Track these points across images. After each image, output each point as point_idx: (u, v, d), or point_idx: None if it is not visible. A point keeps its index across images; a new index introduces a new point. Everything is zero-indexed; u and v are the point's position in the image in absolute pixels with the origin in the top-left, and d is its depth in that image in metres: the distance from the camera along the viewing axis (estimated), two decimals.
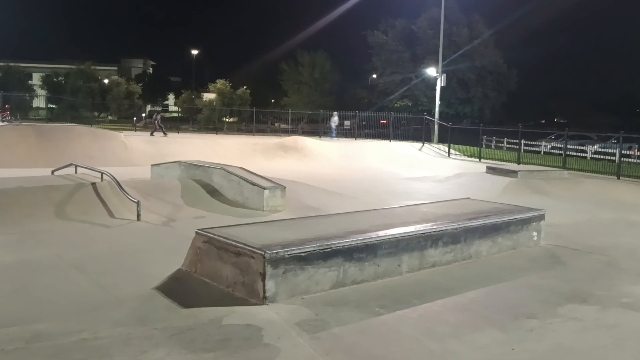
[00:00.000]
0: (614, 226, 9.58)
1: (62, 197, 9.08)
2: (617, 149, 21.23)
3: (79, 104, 39.75)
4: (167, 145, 22.38)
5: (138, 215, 8.87)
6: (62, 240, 7.39)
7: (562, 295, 5.37)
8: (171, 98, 69.02)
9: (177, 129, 33.26)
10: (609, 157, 24.28)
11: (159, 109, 32.66)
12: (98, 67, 50.74)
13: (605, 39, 64.05)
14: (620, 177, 17.61)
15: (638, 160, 24.50)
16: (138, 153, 20.53)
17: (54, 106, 43.06)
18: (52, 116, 39.04)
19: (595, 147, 28.19)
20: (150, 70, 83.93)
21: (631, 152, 25.63)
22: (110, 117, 45.39)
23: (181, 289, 5.27)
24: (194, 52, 68.32)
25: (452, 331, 4.39)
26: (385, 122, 31.94)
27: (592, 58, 68.26)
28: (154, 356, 3.80)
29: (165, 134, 27.64)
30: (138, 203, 8.92)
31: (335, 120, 32.43)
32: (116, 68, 73.47)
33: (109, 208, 9.20)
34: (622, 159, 20.76)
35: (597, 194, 14.22)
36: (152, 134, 27.12)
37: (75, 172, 10.96)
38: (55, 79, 46.48)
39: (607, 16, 59.43)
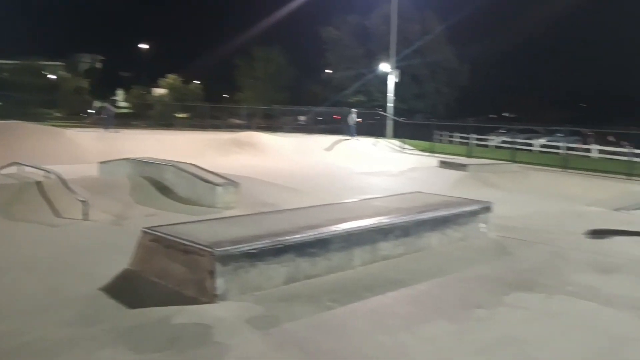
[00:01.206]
0: (560, 217, 9.88)
1: (7, 197, 8.73)
2: (563, 142, 22.00)
3: (25, 101, 38.34)
4: (117, 142, 21.85)
5: (86, 215, 8.61)
6: (6, 240, 7.10)
7: (509, 285, 5.50)
8: (121, 93, 67.45)
9: (128, 126, 32.48)
10: (556, 150, 25.16)
11: (104, 104, 31.29)
12: (45, 63, 49.12)
13: (554, 36, 66.15)
14: (567, 170, 18.25)
15: (583, 153, 25.45)
16: (87, 150, 19.97)
17: None
18: None
19: (543, 140, 29.13)
20: (99, 65, 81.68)
21: (576, 145, 26.60)
22: (58, 114, 44.00)
23: (129, 289, 5.14)
24: (144, 46, 66.81)
25: (402, 323, 4.43)
26: (338, 117, 32.02)
27: (540, 54, 70.39)
28: (100, 357, 3.70)
29: (107, 129, 26.66)
30: (86, 202, 8.66)
31: (353, 117, 29.55)
32: (63, 63, 71.22)
33: (55, 207, 8.90)
34: (568, 151, 21.50)
35: (544, 186, 14.70)
36: (109, 129, 26.31)
37: (21, 171, 10.55)
38: (0, 75, 44.72)
39: (555, 13, 61.41)
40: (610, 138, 26.65)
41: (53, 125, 27.00)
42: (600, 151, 25.35)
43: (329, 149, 25.01)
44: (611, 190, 13.98)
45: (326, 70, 52.74)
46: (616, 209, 10.07)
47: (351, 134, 28.54)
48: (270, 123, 35.49)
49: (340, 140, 27.45)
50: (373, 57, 44.03)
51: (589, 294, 5.29)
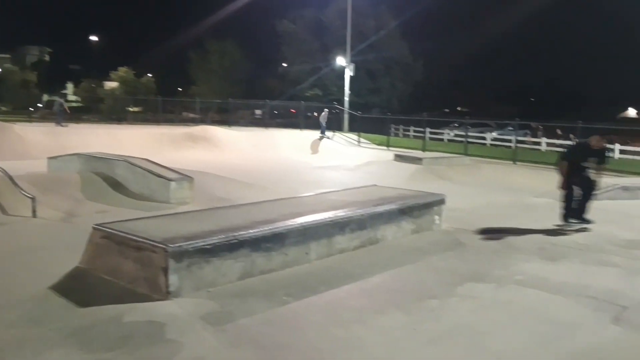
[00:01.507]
0: (509, 208, 10.16)
1: None
2: (513, 136, 22.59)
3: None
4: (66, 136, 21.16)
5: (34, 212, 8.32)
6: None
7: (461, 276, 5.63)
8: (70, 87, 65.42)
9: (78, 120, 31.54)
10: (506, 144, 25.82)
11: (57, 98, 30.13)
12: None
13: (505, 32, 67.79)
14: (517, 162, 18.76)
15: (532, 146, 26.22)
16: (35, 145, 19.29)
17: None
18: None
19: (494, 134, 29.84)
20: (47, 57, 78.94)
21: (526, 139, 27.37)
22: (4, 108, 42.34)
23: (79, 287, 5.00)
24: (94, 38, 64.96)
25: (356, 316, 4.48)
26: (294, 111, 31.89)
27: (490, 49, 72.04)
28: (50, 357, 3.61)
29: (58, 124, 25.77)
30: (34, 198, 8.37)
31: (325, 116, 28.30)
32: (9, 56, 68.52)
33: (1, 204, 8.57)
34: (518, 145, 22.08)
35: (495, 179, 15.09)
36: (61, 124, 25.41)
37: None
38: None
39: (504, 9, 62.95)
40: (559, 131, 27.52)
41: None
42: (549, 144, 26.17)
43: (286, 143, 24.92)
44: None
45: (282, 64, 52.53)
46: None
47: (322, 132, 27.74)
48: (226, 117, 35.04)
49: (297, 135, 27.42)
50: (329, 52, 44.06)
51: (538, 283, 5.48)
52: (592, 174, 8.10)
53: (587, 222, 8.12)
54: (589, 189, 8.07)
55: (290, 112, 33.29)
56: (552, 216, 8.59)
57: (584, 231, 7.93)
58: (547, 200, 10.50)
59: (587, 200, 8.13)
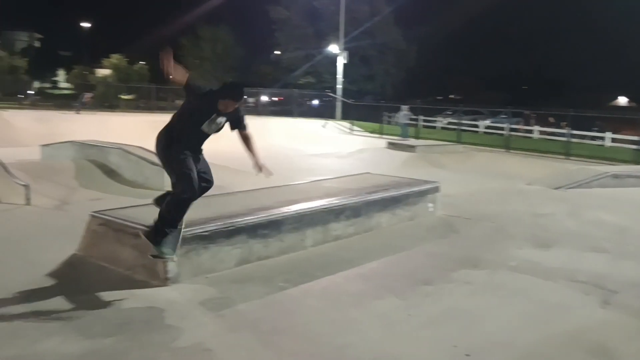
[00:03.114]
0: (503, 195, 10.23)
1: None
2: (507, 124, 22.70)
3: None
4: (58, 124, 20.99)
5: (27, 199, 8.31)
6: None
7: (455, 262, 5.70)
8: (62, 74, 64.82)
9: (69, 107, 31.30)
10: (499, 131, 25.94)
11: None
12: None
13: (497, 18, 67.72)
14: (510, 150, 18.88)
15: (525, 134, 26.34)
16: (26, 133, 19.11)
17: None
18: None
19: (487, 122, 29.94)
20: (37, 43, 78.06)
21: (519, 126, 27.47)
22: None
23: (76, 275, 5.03)
24: (85, 24, 64.19)
25: (353, 301, 4.54)
26: (282, 98, 31.64)
27: (483, 36, 71.97)
28: (47, 345, 3.62)
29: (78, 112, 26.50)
30: (27, 186, 8.35)
31: (406, 114, 23.34)
32: None
33: None
34: (511, 132, 22.18)
35: (488, 166, 15.19)
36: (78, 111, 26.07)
37: None
38: None
39: None
40: (551, 119, 27.66)
41: None
42: (541, 132, 26.31)
43: (279, 130, 24.87)
44: (550, 169, 14.57)
45: (275, 52, 52.26)
46: (555, 187, 10.51)
47: (404, 135, 22.29)
48: None
49: (290, 122, 27.38)
50: (322, 38, 43.89)
51: (530, 268, 5.57)
52: None
53: None
54: None
55: (283, 100, 33.19)
56: (544, 203, 8.68)
57: (575, 218, 8.02)
58: (539, 188, 10.60)
59: None
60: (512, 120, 24.35)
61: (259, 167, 4.84)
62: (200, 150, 4.73)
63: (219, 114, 4.54)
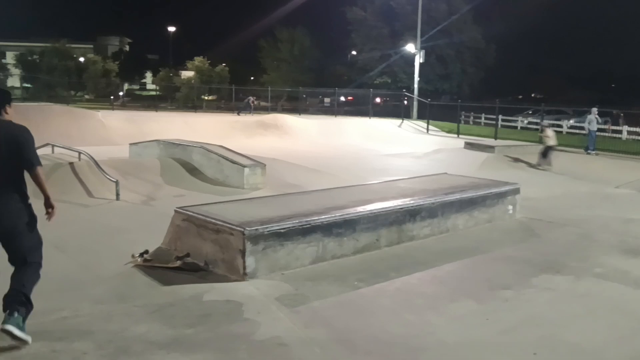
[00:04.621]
0: (588, 199, 9.78)
1: None
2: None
3: (55, 83, 38.99)
4: (145, 124, 22.09)
5: (117, 195, 8.81)
6: (41, 220, 7.28)
7: (536, 267, 5.50)
8: (149, 76, 68.03)
9: (156, 108, 32.86)
10: (584, 132, 24.65)
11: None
12: (73, 45, 49.78)
13: (582, 15, 64.43)
14: (595, 151, 17.90)
15: (612, 135, 24.90)
16: (116, 132, 20.27)
17: (29, 85, 42.24)
18: (28, 95, 38.29)
19: (571, 121, 28.54)
20: (127, 48, 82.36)
21: (606, 127, 26.01)
22: (87, 96, 44.66)
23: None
24: (171, 29, 66.98)
25: (428, 303, 4.49)
26: (351, 98, 31.53)
27: (568, 33, 68.68)
28: (135, 332, 3.83)
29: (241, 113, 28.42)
30: (117, 182, 8.86)
31: (595, 118, 18.41)
32: (92, 46, 71.96)
33: (87, 188, 9.13)
34: (597, 133, 21.03)
35: (572, 168, 14.46)
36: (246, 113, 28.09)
37: (52, 152, 10.82)
38: (29, 58, 45.54)
39: None
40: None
41: (83, 108, 27.46)
42: (630, 132, 24.77)
43: (354, 130, 24.90)
44: None
45: (352, 52, 52.31)
46: None
47: (592, 145, 17.88)
48: (295, 105, 35.45)
49: (365, 122, 27.33)
50: (398, 38, 43.46)
51: (618, 276, 5.28)
52: None
53: None
54: None
55: (358, 100, 33.16)
56: (634, 208, 8.20)
57: None
58: (629, 192, 10.02)
59: None
60: (599, 120, 23.07)
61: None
62: None
63: None
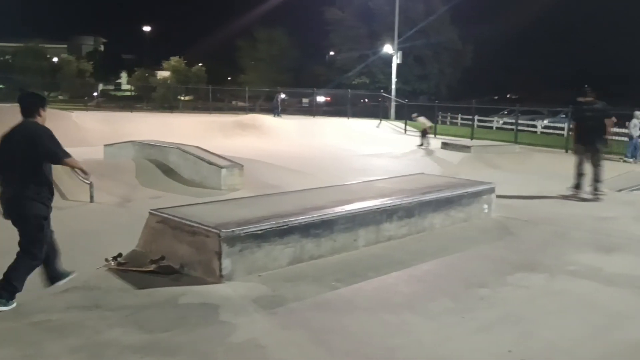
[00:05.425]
0: (561, 197, 9.90)
1: None
2: (566, 124, 21.89)
3: (28, 83, 38.28)
4: (121, 124, 21.84)
5: (91, 197, 8.70)
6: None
7: (511, 265, 5.56)
8: (124, 76, 67.32)
9: (131, 108, 32.48)
10: (558, 132, 25.07)
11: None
12: (47, 45, 49.03)
13: (558, 15, 65.40)
14: (569, 151, 18.19)
15: None
16: (91, 133, 20.00)
17: (1, 86, 41.42)
18: (1, 96, 37.52)
19: (546, 121, 28.99)
20: (102, 47, 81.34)
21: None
22: (61, 97, 43.96)
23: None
24: (147, 28, 66.39)
25: (406, 302, 4.51)
26: (329, 99, 31.62)
27: (545, 34, 69.67)
28: (109, 336, 3.77)
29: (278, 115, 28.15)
30: (91, 184, 8.72)
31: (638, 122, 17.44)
32: (66, 46, 70.91)
33: (60, 190, 8.95)
34: (570, 133, 21.32)
35: (546, 167, 14.70)
36: (277, 115, 27.93)
37: None
38: (2, 58, 44.69)
39: None
40: (614, 119, 26.45)
41: (57, 109, 27.01)
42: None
43: (333, 131, 24.95)
44: (613, 171, 13.97)
45: (330, 52, 52.40)
46: (618, 190, 10.08)
47: (634, 152, 17.19)
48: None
49: (343, 123, 27.41)
50: (377, 38, 43.65)
51: (590, 274, 5.36)
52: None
53: None
54: None
55: (336, 100, 33.26)
56: (607, 206, 8.34)
57: None
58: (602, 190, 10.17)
59: None
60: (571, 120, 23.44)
61: None
62: None
63: None
